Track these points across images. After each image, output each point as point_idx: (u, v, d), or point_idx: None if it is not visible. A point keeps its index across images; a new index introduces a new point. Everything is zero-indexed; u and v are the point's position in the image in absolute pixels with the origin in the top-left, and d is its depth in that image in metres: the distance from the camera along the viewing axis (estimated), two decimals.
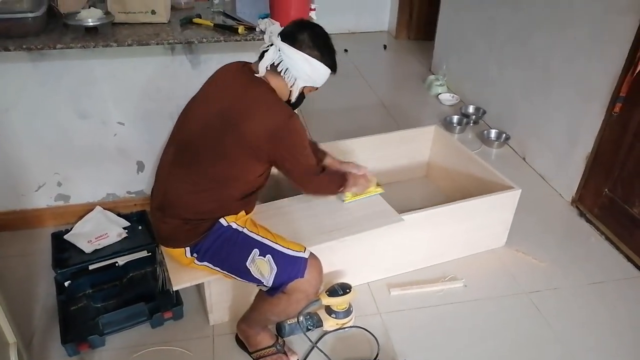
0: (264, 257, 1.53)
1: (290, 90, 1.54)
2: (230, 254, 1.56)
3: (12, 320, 1.55)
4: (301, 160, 1.58)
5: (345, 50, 4.45)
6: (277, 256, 1.53)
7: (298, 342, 1.81)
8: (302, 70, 1.48)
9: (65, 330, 1.75)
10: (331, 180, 1.79)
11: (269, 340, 1.72)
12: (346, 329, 1.86)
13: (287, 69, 1.48)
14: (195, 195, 1.53)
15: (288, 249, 1.55)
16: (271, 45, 1.49)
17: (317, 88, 1.59)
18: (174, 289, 1.63)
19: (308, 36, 1.48)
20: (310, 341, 1.79)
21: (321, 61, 1.50)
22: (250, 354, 1.74)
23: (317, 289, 1.59)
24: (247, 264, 1.53)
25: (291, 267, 1.52)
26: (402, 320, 1.92)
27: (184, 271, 1.65)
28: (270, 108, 1.49)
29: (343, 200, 1.95)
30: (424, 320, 1.93)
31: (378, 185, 2.00)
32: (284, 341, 1.76)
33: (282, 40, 1.47)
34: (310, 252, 1.58)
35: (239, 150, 1.48)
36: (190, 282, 1.65)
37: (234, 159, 1.50)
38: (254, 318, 1.69)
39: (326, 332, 1.84)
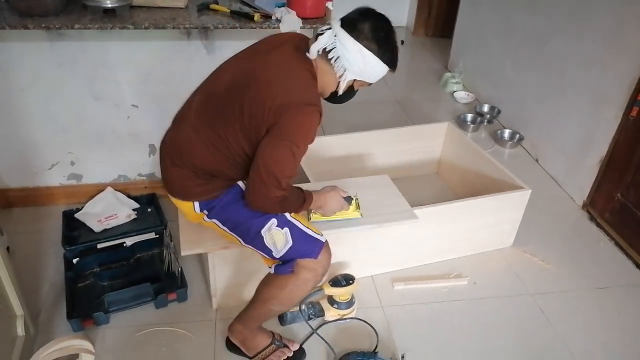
0: (282, 228, 1.46)
1: (338, 82, 1.41)
2: (246, 218, 1.46)
3: (20, 293, 1.59)
4: (280, 151, 1.33)
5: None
6: (295, 232, 1.47)
7: (300, 333, 1.82)
8: (355, 62, 1.35)
9: (71, 306, 1.79)
10: (289, 201, 1.46)
11: (267, 339, 1.67)
12: (347, 320, 1.87)
13: (338, 57, 1.35)
14: (204, 146, 1.41)
15: (308, 228, 1.50)
16: (329, 28, 1.37)
17: (370, 84, 1.46)
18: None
19: (369, 26, 1.34)
20: (311, 327, 1.79)
21: (377, 56, 1.36)
22: (250, 358, 1.68)
23: (325, 273, 1.53)
24: (262, 231, 1.46)
25: (307, 246, 1.47)
26: (404, 315, 1.92)
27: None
28: (295, 86, 1.34)
29: (309, 219, 1.72)
30: (426, 315, 1.93)
31: (358, 207, 1.78)
32: (280, 335, 1.73)
33: (341, 26, 1.35)
34: (327, 240, 1.53)
35: (245, 118, 1.35)
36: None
37: (241, 124, 1.36)
38: (254, 313, 1.61)
39: (327, 322, 1.85)
